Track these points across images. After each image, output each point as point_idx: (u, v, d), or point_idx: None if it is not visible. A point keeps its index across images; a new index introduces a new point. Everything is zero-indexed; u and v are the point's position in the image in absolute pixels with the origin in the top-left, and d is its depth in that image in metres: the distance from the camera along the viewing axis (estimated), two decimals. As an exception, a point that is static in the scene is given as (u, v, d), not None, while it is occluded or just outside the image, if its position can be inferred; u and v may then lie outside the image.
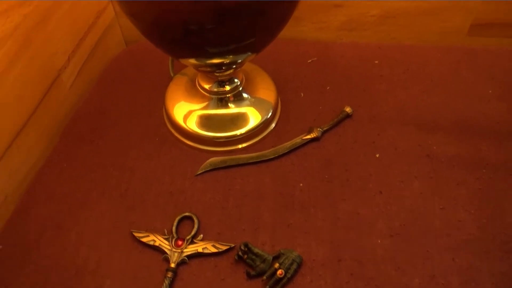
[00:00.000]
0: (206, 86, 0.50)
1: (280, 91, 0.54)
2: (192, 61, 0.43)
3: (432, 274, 0.37)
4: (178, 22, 0.35)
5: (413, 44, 0.60)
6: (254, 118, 0.50)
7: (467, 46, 0.58)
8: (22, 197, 0.46)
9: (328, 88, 0.54)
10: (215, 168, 0.47)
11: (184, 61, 0.44)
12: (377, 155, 0.46)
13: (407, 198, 0.42)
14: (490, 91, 0.52)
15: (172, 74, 0.55)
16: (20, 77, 0.47)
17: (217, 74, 0.47)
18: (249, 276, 0.37)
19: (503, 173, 0.44)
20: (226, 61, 0.43)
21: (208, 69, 0.46)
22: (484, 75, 0.54)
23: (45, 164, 0.49)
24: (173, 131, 0.51)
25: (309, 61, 0.58)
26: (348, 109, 0.50)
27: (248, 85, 0.51)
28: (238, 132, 0.49)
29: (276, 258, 0.39)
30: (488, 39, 0.60)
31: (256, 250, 0.38)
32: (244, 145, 0.49)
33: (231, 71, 0.47)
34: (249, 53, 0.44)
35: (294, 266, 0.37)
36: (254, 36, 0.39)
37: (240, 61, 0.44)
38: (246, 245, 0.39)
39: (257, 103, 0.51)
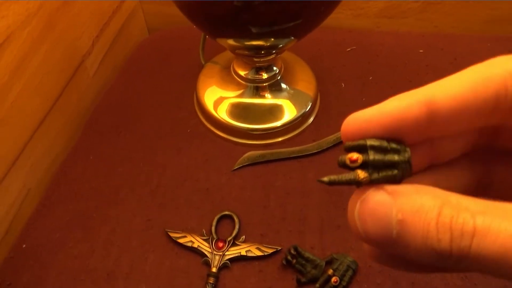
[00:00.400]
0: (242, 73, 0.46)
1: (319, 82, 0.50)
2: (231, 41, 0.40)
3: (504, 284, 0.33)
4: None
5: (459, 33, 0.56)
6: (291, 110, 0.46)
7: (518, 35, 0.54)
8: (46, 191, 0.42)
9: (370, 78, 0.51)
10: (253, 163, 0.43)
11: (221, 41, 0.40)
12: (430, 151, 0.43)
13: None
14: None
15: (203, 62, 0.52)
16: (44, 61, 0.43)
17: (255, 60, 0.44)
18: (300, 283, 0.34)
19: None
20: (267, 44, 0.39)
21: (246, 52, 0.42)
22: (540, 66, 0.50)
23: (68, 156, 0.46)
24: (205, 122, 0.47)
25: (348, 50, 0.54)
26: (395, 101, 0.46)
27: (287, 75, 0.48)
28: (275, 124, 0.45)
29: (328, 263, 0.35)
30: (540, 28, 0.56)
31: (307, 254, 0.35)
32: (281, 139, 0.46)
33: (271, 56, 0.43)
34: (292, 38, 0.40)
35: (350, 272, 0.34)
36: (300, 18, 0.35)
37: (281, 46, 0.41)
38: (295, 249, 0.35)
39: (296, 95, 0.47)
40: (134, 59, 0.58)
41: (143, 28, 0.66)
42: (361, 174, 0.16)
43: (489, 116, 0.13)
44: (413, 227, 0.13)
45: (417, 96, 0.13)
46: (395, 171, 0.15)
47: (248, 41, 0.39)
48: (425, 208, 0.13)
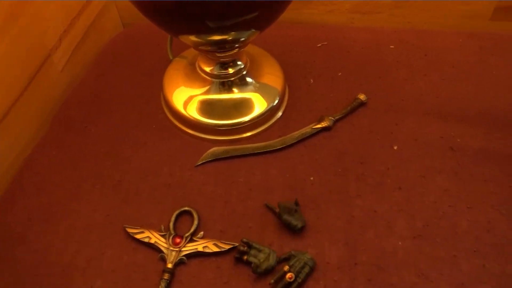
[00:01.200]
0: (207, 69, 0.45)
1: (288, 77, 0.50)
2: (192, 38, 0.39)
3: (461, 282, 0.33)
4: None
5: (432, 29, 0.56)
6: (259, 105, 0.46)
7: (490, 31, 0.54)
8: (8, 186, 0.42)
9: (340, 74, 0.50)
10: (217, 159, 0.43)
11: (183, 38, 0.40)
12: (395, 147, 0.42)
13: (430, 195, 0.38)
14: (518, 80, 0.48)
15: (170, 57, 0.51)
16: (6, 54, 0.42)
17: (219, 55, 0.43)
18: (256, 272, 0.33)
19: (535, 169, 0.40)
20: (228, 38, 0.39)
21: (209, 48, 0.41)
22: (510, 62, 0.50)
23: (33, 151, 0.45)
24: (171, 118, 0.47)
25: (318, 45, 0.54)
26: (362, 97, 0.46)
27: (253, 70, 0.47)
28: (242, 119, 0.45)
29: (286, 260, 0.35)
30: (513, 24, 0.55)
31: (257, 245, 0.35)
32: (248, 134, 0.45)
33: (234, 51, 0.43)
34: (253, 30, 0.39)
35: (306, 269, 0.34)
36: (256, 10, 0.34)
37: (243, 39, 0.40)
38: (246, 242, 0.35)
39: (263, 89, 0.47)
40: (106, 53, 0.57)
41: (117, 22, 0.65)
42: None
43: None
44: None
45: None
46: None
47: (209, 37, 0.39)
48: None
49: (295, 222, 0.35)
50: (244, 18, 0.35)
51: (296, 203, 0.36)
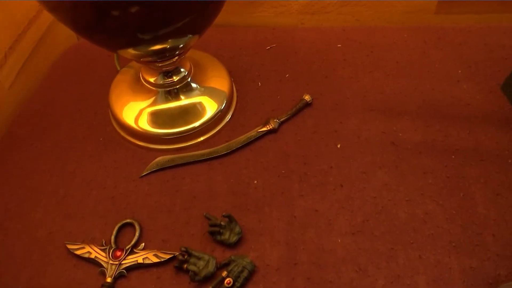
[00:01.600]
0: (151, 79, 0.45)
1: (238, 81, 0.50)
2: (130, 51, 0.39)
3: (397, 274, 0.34)
4: (91, 5, 0.31)
5: (378, 25, 0.56)
6: (207, 110, 0.46)
7: (435, 24, 0.55)
8: None
9: (287, 75, 0.50)
10: (163, 168, 0.43)
11: (123, 52, 0.40)
12: (339, 145, 0.43)
13: (370, 191, 0.39)
14: (460, 71, 0.49)
15: (118, 68, 0.51)
16: None
17: (160, 65, 0.43)
18: (194, 280, 0.33)
19: (473, 159, 0.40)
20: (167, 46, 0.39)
21: (150, 59, 0.41)
22: (453, 54, 0.51)
23: (-23, 173, 0.44)
24: (119, 130, 0.47)
25: (267, 48, 0.54)
26: (307, 97, 0.46)
27: (198, 75, 0.47)
28: (190, 126, 0.45)
29: (226, 265, 0.35)
30: (456, 16, 0.56)
31: (196, 253, 0.35)
32: (196, 141, 0.45)
33: (176, 59, 0.43)
34: (190, 36, 0.40)
35: (245, 274, 0.34)
36: (184, 17, 0.34)
37: (182, 45, 0.40)
38: (185, 251, 0.35)
39: (209, 93, 0.47)
40: (58, 66, 0.57)
41: (71, 35, 0.64)
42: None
43: None
44: None
45: None
46: None
47: (146, 48, 0.39)
48: None
49: (227, 240, 0.35)
50: (171, 26, 0.35)
51: (229, 217, 0.36)
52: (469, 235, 0.35)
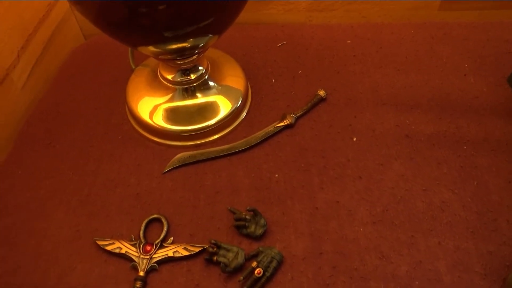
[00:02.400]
0: (169, 77, 0.46)
1: (251, 78, 0.51)
2: (151, 48, 0.40)
3: (419, 260, 0.35)
4: (124, 4, 0.31)
5: (385, 22, 0.58)
6: (223, 107, 0.47)
7: (440, 20, 0.57)
8: (-29, 211, 0.42)
9: (300, 72, 0.52)
10: (184, 164, 0.43)
11: (143, 49, 0.40)
12: (355, 139, 0.44)
13: (388, 182, 0.40)
14: (466, 65, 0.50)
15: (133, 67, 0.51)
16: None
17: (179, 62, 0.44)
18: (225, 271, 0.34)
19: (484, 149, 0.42)
20: (187, 45, 0.40)
21: (169, 56, 0.42)
22: (459, 49, 0.52)
23: (-4, 172, 0.45)
24: (137, 127, 0.47)
25: (279, 45, 0.55)
26: (321, 93, 0.48)
27: (215, 73, 0.48)
28: (207, 123, 0.46)
29: (254, 256, 0.36)
30: (459, 12, 0.58)
31: (225, 245, 0.36)
32: (214, 137, 0.46)
33: (194, 57, 0.44)
34: (210, 36, 0.40)
35: (274, 264, 0.35)
36: (211, 16, 0.35)
37: (202, 45, 0.41)
38: (215, 243, 0.36)
39: (226, 91, 0.48)
40: (67, 67, 0.57)
41: (78, 34, 0.65)
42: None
43: None
44: None
45: None
46: None
47: (167, 46, 0.39)
48: None
49: (253, 233, 0.37)
50: (197, 25, 0.36)
51: (254, 211, 0.37)
52: (485, 221, 0.37)
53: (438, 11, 0.58)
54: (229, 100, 0.47)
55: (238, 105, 0.47)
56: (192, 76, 0.46)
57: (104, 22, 0.36)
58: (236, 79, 0.49)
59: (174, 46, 0.40)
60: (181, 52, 0.42)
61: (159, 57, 0.43)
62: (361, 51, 0.54)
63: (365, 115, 0.46)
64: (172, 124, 0.46)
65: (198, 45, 0.41)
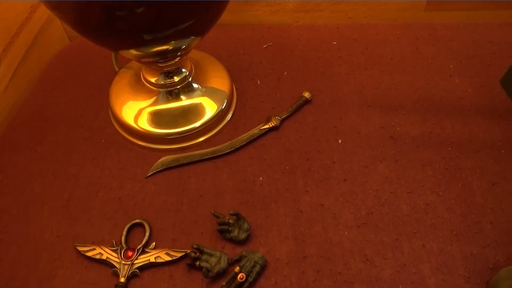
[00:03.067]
0: (152, 79, 0.46)
1: (236, 80, 0.50)
2: (132, 52, 0.39)
3: (403, 263, 0.35)
4: (99, 7, 0.31)
5: (371, 22, 0.58)
6: (208, 109, 0.46)
7: (425, 21, 0.57)
8: (-50, 217, 0.41)
9: (285, 73, 0.51)
10: (168, 168, 0.43)
11: (124, 53, 0.40)
12: (340, 141, 0.44)
13: (373, 184, 0.40)
14: (451, 66, 0.50)
15: (116, 69, 0.51)
16: None
17: (162, 65, 0.43)
18: (207, 276, 0.34)
19: (468, 151, 0.42)
20: (169, 48, 0.39)
21: (151, 59, 0.42)
22: (444, 50, 0.52)
23: (-24, 178, 0.44)
24: (120, 131, 0.47)
25: (264, 46, 0.55)
26: (306, 94, 0.47)
27: (199, 75, 0.48)
28: (192, 126, 0.45)
29: (237, 261, 0.35)
30: (445, 13, 0.58)
31: (208, 250, 0.35)
32: (199, 140, 0.46)
33: (177, 59, 0.43)
34: (192, 37, 0.40)
35: (257, 268, 0.34)
36: (191, 18, 0.35)
37: (184, 47, 0.41)
38: (197, 248, 0.35)
39: (210, 93, 0.47)
40: (51, 69, 0.56)
41: (63, 36, 0.64)
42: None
43: None
44: None
45: None
46: None
47: (149, 49, 0.39)
48: None
49: (237, 237, 0.36)
50: (177, 27, 0.35)
51: (237, 215, 0.37)
52: (469, 224, 0.37)
53: (424, 12, 0.58)
54: (214, 102, 0.47)
55: (223, 107, 0.47)
56: (176, 79, 0.46)
57: (82, 26, 0.35)
58: (220, 80, 0.48)
59: (156, 49, 0.39)
60: (163, 55, 0.41)
61: (142, 60, 0.42)
62: (347, 52, 0.53)
63: (350, 116, 0.46)
64: (156, 128, 0.45)
65: (180, 47, 0.41)
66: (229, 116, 0.48)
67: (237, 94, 0.49)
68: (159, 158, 0.44)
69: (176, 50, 0.41)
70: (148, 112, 0.46)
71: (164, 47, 0.39)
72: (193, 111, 0.46)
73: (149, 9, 0.31)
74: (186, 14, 0.34)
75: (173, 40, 0.38)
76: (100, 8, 0.31)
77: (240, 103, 0.49)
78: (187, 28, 0.37)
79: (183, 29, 0.36)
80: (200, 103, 0.47)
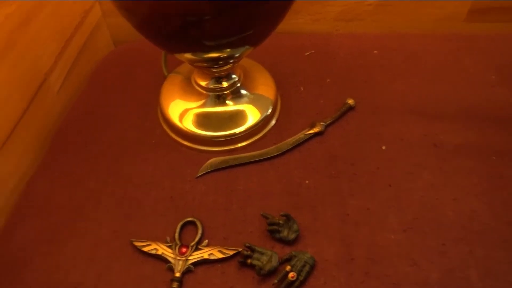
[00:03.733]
0: (203, 83, 0.48)
1: (279, 86, 0.52)
2: (188, 56, 0.41)
3: (450, 267, 0.36)
4: (175, 14, 0.33)
5: (411, 32, 0.59)
6: (253, 115, 0.48)
7: (466, 32, 0.57)
8: (12, 210, 0.43)
9: (328, 80, 0.53)
10: (216, 169, 0.45)
11: (179, 56, 0.42)
12: (384, 147, 0.45)
13: (418, 190, 0.41)
14: (493, 77, 0.51)
15: (165, 73, 0.53)
16: (4, 82, 0.44)
17: (214, 70, 0.45)
18: (259, 274, 0.35)
19: (513, 160, 0.42)
20: (223, 55, 0.41)
21: (205, 64, 0.44)
22: (485, 61, 0.53)
23: (35, 173, 0.46)
24: (169, 132, 0.49)
25: (306, 54, 0.56)
26: (350, 101, 0.49)
27: (247, 81, 0.49)
28: (238, 130, 0.47)
29: (287, 260, 0.37)
30: (485, 24, 0.59)
31: (259, 248, 0.37)
32: (244, 143, 0.47)
33: (229, 66, 0.45)
34: (247, 47, 0.42)
35: (307, 268, 0.36)
36: (253, 28, 0.37)
37: (237, 55, 0.42)
38: (249, 246, 0.37)
39: (256, 100, 0.49)
40: (99, 72, 0.59)
41: (108, 41, 0.67)
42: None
43: None
44: None
45: None
46: None
47: (205, 54, 0.41)
48: None
49: (286, 237, 0.38)
50: (240, 36, 0.37)
51: (287, 216, 0.38)
52: (516, 232, 0.37)
53: (464, 22, 0.59)
54: (259, 108, 0.48)
55: (268, 113, 0.48)
56: (225, 84, 0.47)
57: (148, 29, 0.38)
58: (266, 88, 0.50)
59: (211, 55, 0.41)
60: (216, 61, 0.43)
61: (194, 64, 0.44)
62: (388, 61, 0.54)
63: (393, 124, 0.47)
64: (203, 129, 0.47)
65: (234, 55, 0.43)
66: (274, 121, 0.49)
67: (281, 100, 0.51)
68: (207, 159, 0.46)
69: (229, 57, 0.43)
70: (195, 114, 0.48)
71: (219, 54, 0.41)
72: (239, 116, 0.48)
73: (222, 17, 0.33)
74: (251, 22, 0.36)
75: (230, 49, 0.40)
76: (173, 15, 0.33)
77: (284, 109, 0.50)
78: (246, 38, 0.38)
79: (242, 38, 0.38)
80: (246, 108, 0.48)
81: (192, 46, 0.39)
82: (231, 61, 0.44)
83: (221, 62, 0.43)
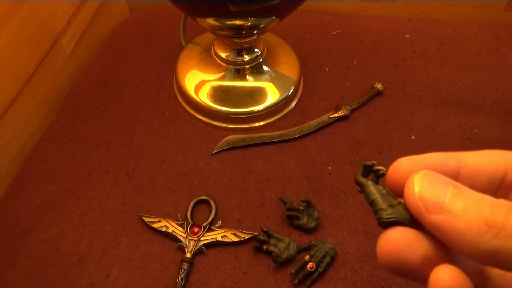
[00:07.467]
0: (223, 55, 0.44)
1: (303, 65, 0.49)
2: (211, 21, 0.38)
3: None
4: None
5: (446, 18, 0.55)
6: (273, 93, 0.45)
7: (506, 21, 0.53)
8: (17, 173, 0.41)
9: (355, 62, 0.49)
10: (233, 147, 0.42)
11: (201, 21, 0.39)
12: (413, 137, 0.42)
13: (448, 185, 0.38)
14: (534, 71, 0.47)
15: (183, 43, 0.50)
16: (14, 38, 0.41)
17: (236, 41, 0.42)
18: (276, 261, 0.33)
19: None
20: (248, 23, 0.38)
21: (227, 32, 0.41)
22: (526, 53, 0.49)
23: (42, 137, 0.44)
24: (185, 105, 0.46)
25: (333, 33, 0.53)
26: (379, 86, 0.46)
27: (269, 58, 0.46)
28: (257, 108, 0.44)
29: (306, 249, 0.34)
30: (527, 14, 0.55)
31: (276, 234, 0.34)
32: (262, 123, 0.45)
33: (252, 38, 0.42)
34: (273, 17, 0.38)
35: (327, 259, 0.33)
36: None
37: (262, 25, 0.39)
38: (266, 231, 0.34)
39: (278, 78, 0.46)
40: (113, 38, 0.56)
41: (124, 7, 0.63)
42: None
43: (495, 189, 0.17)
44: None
45: (451, 155, 0.18)
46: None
47: (228, 21, 0.38)
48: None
49: (306, 225, 0.35)
50: (267, 3, 0.34)
51: (307, 202, 0.36)
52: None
53: (504, 11, 0.55)
54: (280, 87, 0.45)
55: (290, 93, 0.45)
56: (247, 58, 0.44)
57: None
58: (290, 68, 0.47)
59: (235, 23, 0.38)
60: (240, 30, 0.40)
61: (216, 32, 0.41)
62: (421, 46, 0.51)
63: (423, 113, 0.44)
64: (220, 104, 0.44)
65: (259, 25, 0.39)
66: (295, 102, 0.46)
67: (304, 80, 0.48)
68: (223, 136, 0.43)
69: (253, 27, 0.40)
70: (211, 86, 0.45)
71: (243, 22, 0.38)
72: (259, 93, 0.45)
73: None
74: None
75: (256, 17, 0.37)
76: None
77: (307, 89, 0.47)
78: (273, 7, 0.35)
79: (269, 7, 0.35)
80: (267, 85, 0.45)
81: (216, 10, 0.35)
82: (255, 32, 0.40)
83: (244, 32, 0.40)
